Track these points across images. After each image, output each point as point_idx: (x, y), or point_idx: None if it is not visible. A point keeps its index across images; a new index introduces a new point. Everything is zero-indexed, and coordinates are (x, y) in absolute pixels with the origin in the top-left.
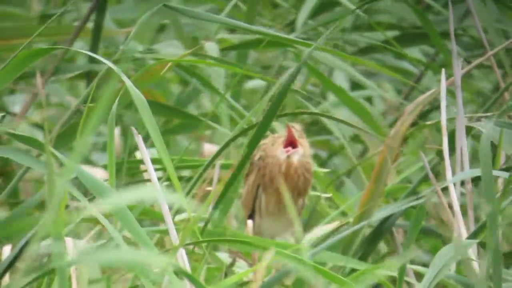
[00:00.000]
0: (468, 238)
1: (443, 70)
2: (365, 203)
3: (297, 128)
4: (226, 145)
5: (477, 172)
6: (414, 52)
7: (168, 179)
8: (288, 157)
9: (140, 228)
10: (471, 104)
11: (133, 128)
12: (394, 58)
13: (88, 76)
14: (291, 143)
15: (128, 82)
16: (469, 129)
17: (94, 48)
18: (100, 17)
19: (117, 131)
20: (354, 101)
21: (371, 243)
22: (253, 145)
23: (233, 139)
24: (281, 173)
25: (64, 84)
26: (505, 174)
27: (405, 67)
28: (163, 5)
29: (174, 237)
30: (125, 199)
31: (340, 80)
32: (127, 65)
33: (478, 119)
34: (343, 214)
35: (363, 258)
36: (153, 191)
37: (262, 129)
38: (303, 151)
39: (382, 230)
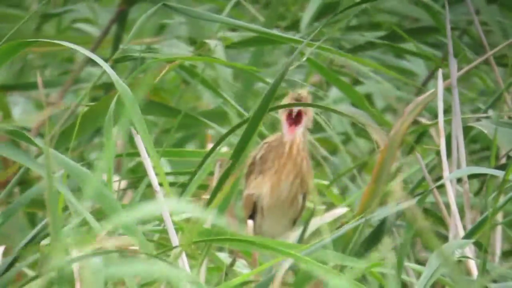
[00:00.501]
0: (464, 237)
1: (439, 70)
2: (365, 203)
3: (303, 95)
4: (220, 141)
5: (472, 170)
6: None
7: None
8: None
9: (141, 233)
10: (474, 103)
11: (132, 128)
12: (394, 57)
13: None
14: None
15: (118, 80)
16: (468, 129)
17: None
18: (120, 29)
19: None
20: (358, 94)
21: (371, 243)
22: (247, 138)
23: (228, 134)
24: (285, 153)
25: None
26: (501, 173)
27: (405, 67)
28: (163, 5)
29: (174, 239)
30: (131, 216)
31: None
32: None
33: (478, 119)
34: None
35: (363, 257)
36: (157, 203)
37: (255, 123)
38: (307, 119)
39: (382, 230)
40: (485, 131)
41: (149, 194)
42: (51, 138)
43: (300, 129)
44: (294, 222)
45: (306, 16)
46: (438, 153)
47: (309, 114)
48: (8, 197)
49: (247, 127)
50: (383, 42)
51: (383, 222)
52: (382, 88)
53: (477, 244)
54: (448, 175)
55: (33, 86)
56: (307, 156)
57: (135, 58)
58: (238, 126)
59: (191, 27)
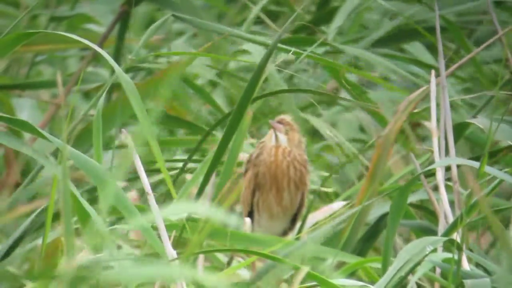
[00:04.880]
0: (443, 235)
1: (432, 71)
2: (360, 201)
3: (286, 120)
4: (206, 134)
5: (455, 160)
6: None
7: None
8: (277, 140)
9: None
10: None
11: (124, 130)
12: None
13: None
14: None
15: (128, 80)
16: (466, 125)
17: (117, 56)
18: (123, 28)
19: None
20: (366, 97)
21: (368, 240)
22: (230, 131)
23: (214, 127)
24: (272, 161)
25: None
26: (476, 164)
27: (413, 71)
28: (172, 15)
29: (169, 249)
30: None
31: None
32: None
33: (475, 116)
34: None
35: (361, 254)
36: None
37: (238, 114)
38: (290, 137)
39: (379, 227)
40: (481, 127)
41: None
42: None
43: (281, 135)
44: (294, 218)
45: (333, 29)
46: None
47: (292, 135)
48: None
49: (231, 117)
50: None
51: (379, 219)
52: (391, 94)
53: (452, 242)
54: (441, 177)
55: (37, 85)
56: (297, 161)
57: (143, 68)
58: (225, 117)
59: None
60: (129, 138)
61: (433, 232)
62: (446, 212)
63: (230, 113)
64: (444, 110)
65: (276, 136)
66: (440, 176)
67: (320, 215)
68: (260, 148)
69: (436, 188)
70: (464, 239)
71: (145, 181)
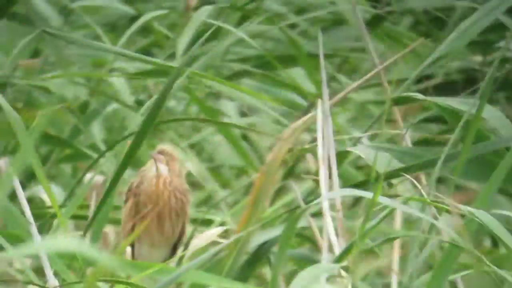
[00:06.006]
0: (334, 262)
1: (319, 100)
2: (242, 227)
3: (166, 151)
4: (97, 159)
5: (344, 191)
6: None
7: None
8: (157, 170)
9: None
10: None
11: (5, 159)
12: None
13: None
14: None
15: (10, 110)
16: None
17: None
18: None
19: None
20: (231, 133)
21: (248, 268)
22: (127, 159)
23: (106, 151)
24: (153, 191)
25: None
26: (369, 194)
27: (285, 97)
28: (42, 31)
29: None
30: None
31: (229, 107)
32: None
33: (355, 144)
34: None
35: (241, 281)
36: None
37: (136, 144)
38: (170, 168)
39: (259, 255)
40: (363, 156)
41: None
42: None
43: (162, 165)
44: (174, 247)
45: (182, 44)
46: (314, 180)
47: (173, 165)
48: None
49: (126, 151)
50: (262, 72)
51: (260, 247)
52: (265, 120)
53: (345, 268)
54: (327, 207)
55: None
56: (176, 192)
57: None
58: (106, 151)
59: (58, 58)
60: (9, 166)
61: (315, 262)
62: (331, 241)
63: (106, 151)
64: (327, 140)
65: (157, 167)
66: (326, 206)
67: (200, 241)
68: (141, 177)
69: (317, 215)
70: (356, 267)
71: (27, 211)
